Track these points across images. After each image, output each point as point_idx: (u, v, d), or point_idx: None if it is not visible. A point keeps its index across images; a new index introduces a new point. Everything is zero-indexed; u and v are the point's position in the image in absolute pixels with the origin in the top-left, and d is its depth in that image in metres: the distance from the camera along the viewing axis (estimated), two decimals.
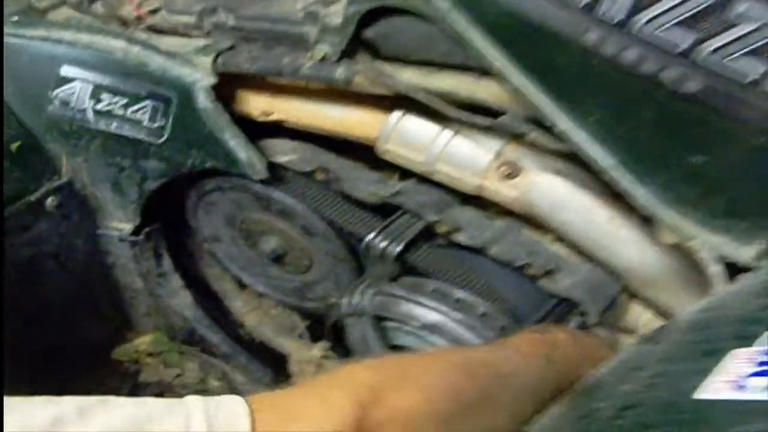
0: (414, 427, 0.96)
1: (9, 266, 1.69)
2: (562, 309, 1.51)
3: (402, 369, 1.03)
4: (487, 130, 1.45)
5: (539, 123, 1.29)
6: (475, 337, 1.46)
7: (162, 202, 1.84)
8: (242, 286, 2.08)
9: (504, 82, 1.29)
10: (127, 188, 1.79)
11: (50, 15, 1.86)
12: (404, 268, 1.60)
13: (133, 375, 2.07)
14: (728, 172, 1.18)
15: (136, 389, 2.05)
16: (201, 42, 1.64)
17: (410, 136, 1.52)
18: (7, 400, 0.78)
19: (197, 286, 2.07)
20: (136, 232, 1.88)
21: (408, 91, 1.41)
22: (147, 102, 1.64)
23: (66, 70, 1.70)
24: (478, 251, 1.55)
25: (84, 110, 1.69)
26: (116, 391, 1.88)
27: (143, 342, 2.12)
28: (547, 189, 1.42)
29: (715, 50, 1.10)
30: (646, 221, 1.31)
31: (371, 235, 1.58)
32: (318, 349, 1.90)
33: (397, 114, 1.53)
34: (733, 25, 1.08)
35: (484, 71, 1.33)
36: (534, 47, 1.23)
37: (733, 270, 1.19)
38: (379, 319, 1.56)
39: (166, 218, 1.92)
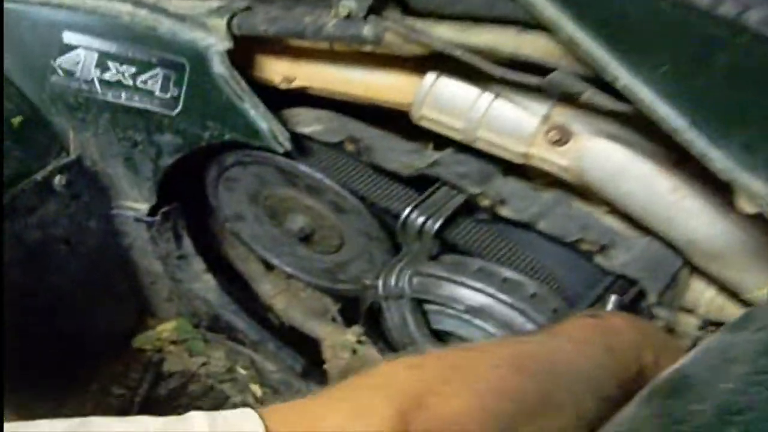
0: None
1: (16, 252, 1.65)
2: (618, 288, 1.41)
3: (446, 368, 0.92)
4: (534, 90, 1.36)
5: (594, 80, 1.20)
6: (525, 321, 1.40)
7: (179, 179, 1.79)
8: (269, 267, 2.03)
9: (554, 34, 1.20)
10: (141, 165, 1.73)
11: None
12: (444, 245, 1.53)
13: (156, 364, 2.03)
14: None
15: (159, 379, 2.01)
16: (214, 3, 1.57)
17: (447, 100, 1.45)
18: None
19: (221, 268, 2.02)
20: (152, 212, 1.82)
21: (444, 48, 1.33)
22: (158, 70, 1.58)
23: (69, 37, 1.63)
24: (524, 226, 1.48)
25: (90, 80, 1.63)
26: (138, 382, 1.95)
27: (165, 329, 2.08)
28: (602, 156, 1.34)
29: None
30: (717, 189, 1.22)
31: (407, 211, 1.51)
32: (352, 334, 1.85)
33: (431, 76, 1.46)
34: None
35: (530, 23, 1.25)
36: None
37: None
38: (419, 302, 1.50)
39: (185, 196, 1.86)
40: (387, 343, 1.69)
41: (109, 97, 1.61)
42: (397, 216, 1.53)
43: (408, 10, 1.39)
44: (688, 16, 1.05)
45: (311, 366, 1.92)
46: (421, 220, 1.49)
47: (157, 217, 1.82)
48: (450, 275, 1.44)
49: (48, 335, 1.80)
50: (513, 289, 1.42)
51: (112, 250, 1.89)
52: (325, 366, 1.89)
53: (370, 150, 1.58)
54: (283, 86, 1.61)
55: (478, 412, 0.86)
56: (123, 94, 1.61)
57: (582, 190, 1.48)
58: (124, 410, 1.91)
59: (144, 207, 1.81)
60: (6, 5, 1.64)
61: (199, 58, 1.52)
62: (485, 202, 1.48)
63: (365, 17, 1.39)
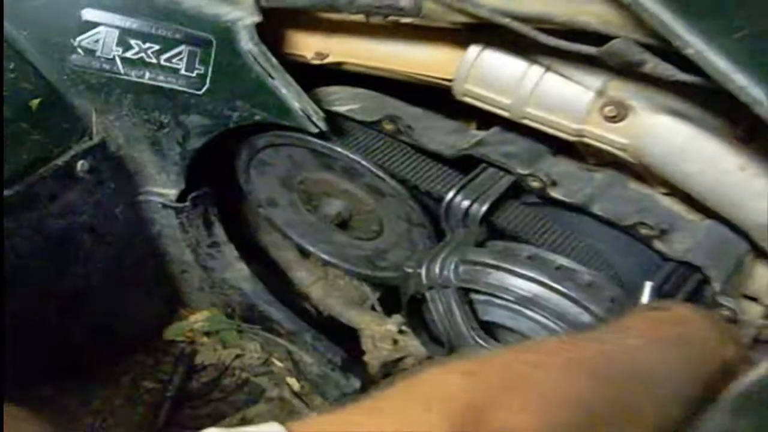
0: None
1: (38, 242, 1.60)
2: (679, 275, 1.36)
3: (509, 374, 0.83)
4: (587, 63, 1.31)
5: (658, 49, 1.13)
6: (580, 312, 1.34)
7: (209, 163, 1.74)
8: (305, 255, 2.00)
9: None
10: (168, 148, 1.68)
11: None
12: (491, 231, 1.49)
13: (188, 357, 1.97)
14: None
15: (191, 372, 1.95)
16: None
17: (493, 75, 1.40)
18: None
19: (254, 256, 1.98)
20: (181, 198, 1.77)
21: (491, 17, 1.26)
22: (182, 47, 1.52)
23: (89, 14, 1.56)
24: (576, 209, 1.44)
25: (112, 59, 1.57)
26: (170, 375, 1.90)
27: (197, 320, 2.03)
28: (663, 133, 1.29)
29: None
30: None
31: (451, 194, 1.47)
32: (393, 323, 1.83)
33: (475, 48, 1.41)
34: None
35: None
36: None
37: None
38: (465, 292, 1.45)
39: (215, 181, 1.82)
40: (430, 334, 1.65)
41: (132, 76, 1.57)
42: (440, 199, 1.50)
43: None
44: None
45: (351, 358, 1.86)
46: (466, 203, 1.45)
47: (187, 203, 1.78)
48: (499, 263, 1.39)
49: (74, 328, 1.77)
50: (567, 278, 1.36)
51: (140, 239, 1.84)
52: (365, 357, 1.86)
53: (410, 129, 1.54)
54: (316, 62, 1.57)
55: (544, 425, 0.77)
56: (146, 73, 1.56)
57: (638, 171, 1.43)
58: (155, 405, 1.87)
59: (172, 193, 1.76)
60: None
61: (226, 34, 1.48)
62: (535, 184, 1.44)
63: None
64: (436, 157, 1.54)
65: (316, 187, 1.68)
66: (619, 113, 1.30)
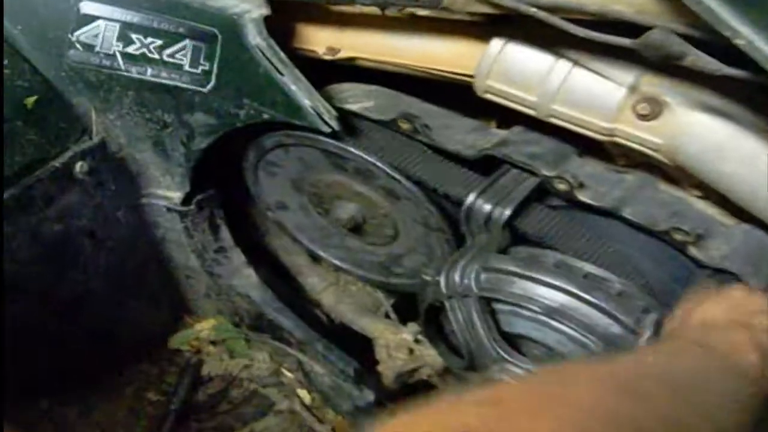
0: None
1: (35, 247, 1.56)
2: (716, 283, 1.29)
3: (531, 398, 0.74)
4: (619, 56, 1.25)
5: (699, 40, 1.06)
6: (610, 323, 1.29)
7: (215, 164, 1.70)
8: (316, 260, 1.97)
9: None
10: (172, 148, 1.64)
11: None
12: (514, 236, 1.44)
13: (193, 367, 1.94)
14: None
15: (197, 383, 1.92)
16: None
17: (517, 70, 1.35)
18: None
19: (263, 262, 1.95)
20: (186, 200, 1.74)
21: (516, 6, 1.19)
22: (186, 42, 1.48)
23: (87, 7, 1.52)
24: (605, 213, 1.38)
25: (112, 55, 1.53)
26: (175, 387, 1.88)
27: (204, 328, 2.00)
28: (700, 132, 1.23)
29: None
30: None
31: (472, 197, 1.42)
32: (408, 332, 1.79)
33: (498, 42, 1.35)
34: None
35: None
36: None
37: None
38: (487, 301, 1.41)
39: (221, 183, 1.79)
40: (449, 345, 1.60)
41: (134, 73, 1.53)
42: (459, 203, 1.45)
43: None
44: None
45: (364, 368, 1.82)
46: (488, 207, 1.40)
47: (192, 207, 1.75)
48: (523, 271, 1.35)
49: (74, 336, 1.74)
50: (596, 287, 1.32)
51: (143, 244, 1.81)
52: (379, 368, 1.81)
53: (427, 128, 1.50)
54: (328, 58, 1.53)
55: None
56: (149, 70, 1.52)
57: (669, 172, 1.38)
58: (158, 418, 1.84)
59: (176, 195, 1.74)
60: None
61: (232, 27, 1.43)
62: (561, 186, 1.39)
63: None
64: (456, 157, 1.49)
65: (327, 190, 1.64)
66: (653, 110, 1.24)
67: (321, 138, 1.50)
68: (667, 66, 1.19)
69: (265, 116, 1.48)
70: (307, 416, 1.84)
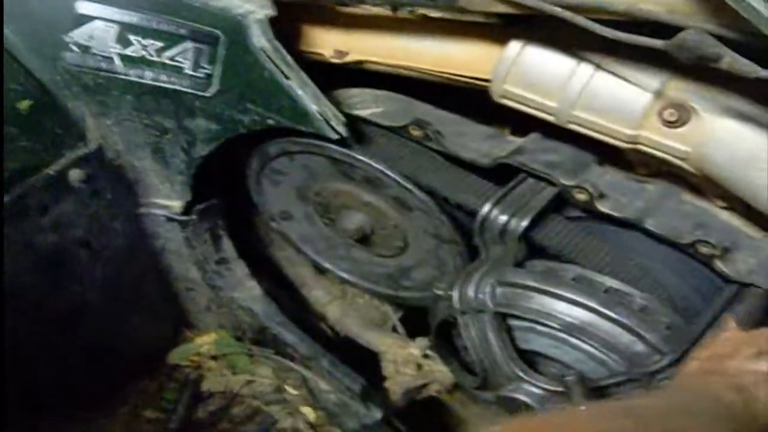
0: None
1: (29, 258, 1.53)
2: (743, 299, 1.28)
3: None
4: (644, 60, 1.22)
5: (732, 41, 1.02)
6: (633, 341, 1.27)
7: (216, 172, 1.68)
8: (321, 272, 1.94)
9: None
10: (172, 155, 1.62)
11: None
12: (531, 248, 1.42)
13: (194, 383, 1.90)
14: None
15: (197, 400, 1.89)
16: None
17: (536, 74, 1.32)
18: None
19: (266, 274, 1.92)
20: (186, 210, 1.72)
21: (539, 6, 1.16)
22: (187, 44, 1.45)
23: (84, 7, 1.50)
24: (626, 225, 1.36)
25: (109, 57, 1.50)
26: (174, 404, 1.85)
27: (204, 343, 1.96)
28: (729, 139, 1.20)
29: None
30: None
31: (487, 207, 1.39)
32: (416, 347, 1.76)
33: (516, 44, 1.32)
34: None
35: None
36: None
37: None
38: (503, 317, 1.39)
39: (223, 192, 1.76)
40: (461, 362, 1.58)
41: (132, 76, 1.51)
42: (473, 213, 1.43)
43: None
44: None
45: (371, 384, 1.79)
46: (504, 218, 1.38)
47: (192, 216, 1.73)
48: (541, 285, 1.33)
49: (69, 351, 1.70)
50: (618, 302, 1.30)
51: (141, 255, 1.79)
52: (386, 384, 1.79)
53: (439, 135, 1.48)
54: (335, 61, 1.51)
55: None
56: (148, 73, 1.50)
57: (693, 182, 1.36)
58: None
59: (177, 204, 1.72)
60: None
61: (235, 29, 1.42)
62: (581, 196, 1.37)
63: None
64: (469, 166, 1.47)
65: (334, 199, 1.61)
66: (680, 117, 1.20)
67: (328, 145, 1.48)
68: (693, 70, 1.16)
69: (270, 122, 1.46)
70: None
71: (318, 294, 1.95)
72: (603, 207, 1.34)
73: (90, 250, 1.65)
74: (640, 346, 1.25)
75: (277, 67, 1.39)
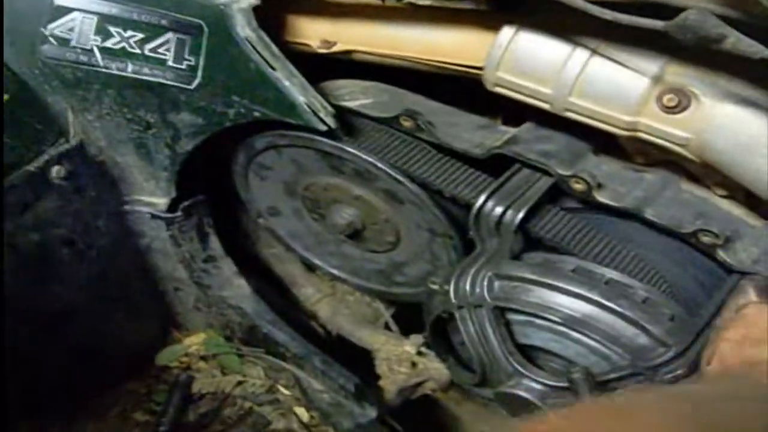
0: None
1: (10, 258, 1.49)
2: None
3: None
4: (642, 43, 1.19)
5: (739, 22, 0.98)
6: (636, 333, 1.25)
7: (202, 168, 1.65)
8: (310, 269, 1.93)
9: None
10: (156, 151, 1.59)
11: None
12: (528, 241, 1.40)
13: (183, 384, 1.86)
14: None
15: (187, 402, 1.84)
16: None
17: (530, 60, 1.28)
18: None
19: (255, 271, 1.90)
20: (172, 207, 1.69)
21: None
22: (169, 35, 1.42)
23: None
24: (625, 215, 1.34)
25: (89, 50, 1.46)
26: (164, 406, 1.80)
27: (193, 343, 1.93)
28: (731, 125, 1.17)
29: None
30: None
31: (481, 199, 1.37)
32: (411, 344, 1.75)
33: (509, 30, 1.29)
34: None
35: None
36: None
37: None
38: (501, 311, 1.37)
39: (209, 188, 1.73)
40: (458, 359, 1.57)
41: (113, 69, 1.47)
42: (468, 206, 1.41)
43: None
44: None
45: (365, 383, 1.77)
46: (499, 209, 1.36)
47: (178, 213, 1.70)
48: (540, 278, 1.31)
49: (54, 354, 1.66)
50: (619, 294, 1.27)
51: (126, 254, 1.75)
52: (381, 383, 1.78)
53: (431, 126, 1.45)
54: (322, 51, 1.48)
55: None
56: (129, 66, 1.46)
57: (692, 170, 1.34)
58: None
59: (162, 201, 1.69)
60: None
61: (219, 19, 1.38)
62: (578, 186, 1.34)
63: None
64: (462, 157, 1.45)
65: (323, 194, 1.60)
66: (680, 102, 1.17)
67: (317, 138, 1.46)
68: (692, 54, 1.13)
69: (256, 114, 1.43)
70: None
71: (308, 292, 1.94)
72: (601, 197, 1.32)
73: (73, 249, 1.61)
74: (643, 339, 1.23)
75: (262, 57, 1.36)
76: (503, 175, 1.40)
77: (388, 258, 1.64)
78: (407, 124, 1.44)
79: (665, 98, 1.18)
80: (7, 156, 1.45)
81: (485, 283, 1.33)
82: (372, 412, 1.72)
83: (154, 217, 1.69)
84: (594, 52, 1.22)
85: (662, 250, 1.36)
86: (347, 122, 1.46)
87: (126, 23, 1.42)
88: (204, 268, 1.79)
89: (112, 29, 1.43)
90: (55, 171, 1.52)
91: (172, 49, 1.42)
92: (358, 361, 1.81)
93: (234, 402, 1.86)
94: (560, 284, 1.27)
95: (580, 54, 1.23)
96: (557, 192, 1.38)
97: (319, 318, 1.93)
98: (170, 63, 1.43)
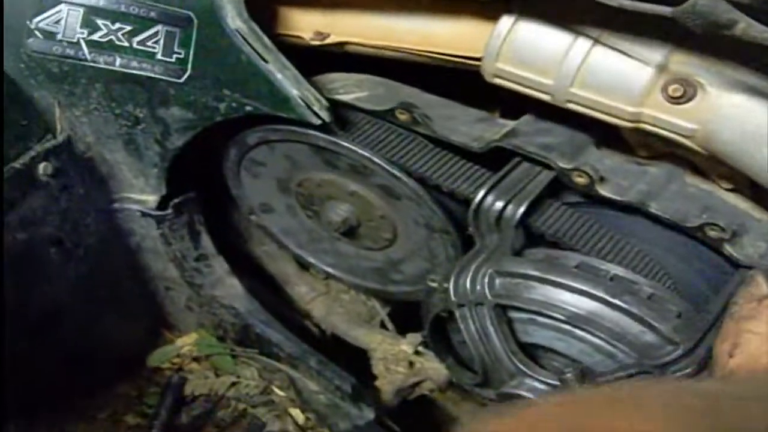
0: None
1: None
2: None
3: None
4: (646, 32, 1.16)
5: (749, 7, 0.96)
6: (642, 331, 1.23)
7: (193, 164, 1.63)
8: (304, 267, 1.90)
9: None
10: (145, 147, 1.56)
11: None
12: (529, 236, 1.37)
13: (176, 386, 1.84)
14: None
15: (180, 404, 1.82)
16: None
17: (531, 50, 1.26)
18: None
19: (247, 270, 1.88)
20: (162, 204, 1.66)
21: None
22: (158, 27, 1.39)
23: None
24: (628, 209, 1.32)
25: (76, 43, 1.43)
26: (156, 408, 1.79)
27: (185, 344, 1.91)
28: (738, 115, 1.15)
29: None
30: None
31: (481, 194, 1.34)
32: (407, 344, 1.73)
33: (508, 19, 1.26)
34: None
35: None
36: None
37: None
38: (503, 309, 1.35)
39: (200, 185, 1.71)
40: (458, 358, 1.55)
41: (101, 63, 1.44)
42: (466, 201, 1.38)
43: None
44: None
45: (362, 384, 1.75)
46: (499, 204, 1.33)
47: (169, 211, 1.68)
48: (543, 274, 1.29)
49: (43, 356, 1.65)
50: (625, 290, 1.25)
51: (116, 253, 1.73)
52: (377, 383, 1.75)
53: (427, 119, 1.42)
54: (315, 43, 1.45)
55: None
56: (117, 59, 1.43)
57: (696, 163, 1.32)
58: None
59: (152, 199, 1.67)
60: None
61: (208, 10, 1.35)
62: (580, 180, 1.31)
63: None
64: (460, 151, 1.42)
65: (318, 190, 1.58)
66: (685, 92, 1.15)
67: (310, 132, 1.43)
68: (698, 42, 1.10)
69: (248, 109, 1.41)
70: None
71: (301, 290, 1.92)
72: (604, 191, 1.29)
73: (61, 249, 1.59)
74: (650, 337, 1.21)
75: (253, 49, 1.33)
76: (503, 169, 1.37)
77: (384, 255, 1.62)
78: (403, 117, 1.42)
79: (670, 88, 1.15)
80: None
81: (486, 281, 1.31)
82: (370, 414, 1.70)
83: (144, 215, 1.67)
84: (596, 41, 1.19)
85: (666, 245, 1.33)
86: (342, 116, 1.43)
87: (113, 15, 1.39)
88: (195, 266, 1.77)
89: (100, 22, 1.40)
90: (42, 168, 1.49)
91: (161, 42, 1.39)
92: (353, 362, 1.79)
93: (228, 404, 1.85)
94: (564, 281, 1.25)
95: (582, 43, 1.20)
96: (558, 186, 1.36)
97: (314, 317, 1.91)
98: (159, 56, 1.40)
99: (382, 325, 1.85)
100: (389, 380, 1.72)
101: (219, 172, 1.65)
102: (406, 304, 1.68)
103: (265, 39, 1.33)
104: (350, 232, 1.59)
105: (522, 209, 1.30)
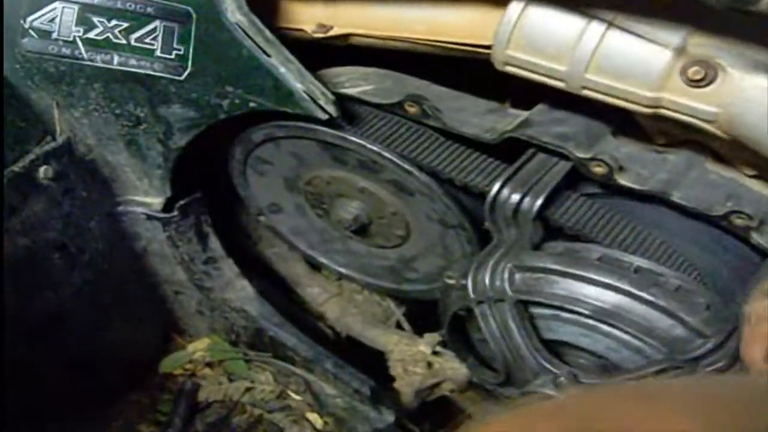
0: None
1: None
2: None
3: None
4: (662, 14, 1.13)
5: None
6: (672, 324, 1.22)
7: (197, 164, 1.61)
8: (316, 267, 1.90)
9: None
10: (148, 147, 1.54)
11: None
12: (548, 229, 1.35)
13: (189, 393, 1.83)
14: None
15: (194, 411, 1.82)
16: None
17: (542, 36, 1.23)
18: None
19: (258, 272, 1.86)
20: (168, 206, 1.65)
21: None
22: (156, 23, 1.36)
23: None
24: (649, 198, 1.29)
25: (72, 41, 1.41)
26: (170, 416, 1.79)
27: (197, 349, 1.90)
28: (763, 97, 1.11)
29: None
30: None
31: (496, 187, 1.32)
32: (425, 344, 1.70)
33: (518, 4, 1.23)
34: None
35: None
36: None
37: None
38: (524, 305, 1.33)
39: (206, 185, 1.69)
40: (478, 357, 1.55)
41: (98, 61, 1.42)
42: (481, 195, 1.36)
43: None
44: None
45: (380, 386, 1.74)
46: (516, 197, 1.31)
47: (175, 213, 1.66)
48: (565, 268, 1.28)
49: (50, 365, 1.63)
50: (651, 283, 1.23)
51: (122, 257, 1.71)
52: (395, 384, 1.74)
53: (438, 112, 1.40)
54: (318, 36, 1.43)
55: None
56: (115, 58, 1.41)
57: (717, 149, 1.28)
58: None
59: (157, 201, 1.65)
60: None
61: (207, 3, 1.33)
62: (598, 170, 1.28)
63: None
64: (472, 143, 1.39)
65: (327, 188, 1.57)
66: (706, 75, 1.11)
67: (317, 127, 1.41)
68: (717, 23, 1.07)
69: (252, 105, 1.38)
70: None
71: (314, 292, 1.91)
72: (623, 180, 1.26)
73: (65, 254, 1.58)
74: (680, 330, 1.19)
75: (255, 43, 1.31)
76: (517, 160, 1.35)
77: (397, 253, 1.60)
78: (412, 110, 1.39)
79: (690, 71, 1.11)
80: None
81: (506, 276, 1.29)
82: (390, 417, 1.69)
83: (149, 217, 1.65)
84: (611, 24, 1.16)
85: (690, 235, 1.30)
86: (349, 110, 1.41)
87: (109, 12, 1.37)
88: (204, 270, 1.75)
89: (95, 19, 1.37)
90: (43, 171, 1.48)
91: (160, 38, 1.37)
92: (369, 363, 1.77)
93: (243, 409, 1.84)
94: (587, 274, 1.23)
95: (596, 27, 1.17)
96: (576, 177, 1.33)
97: (327, 319, 1.89)
98: (158, 53, 1.38)
99: (398, 326, 1.83)
100: (408, 382, 1.70)
101: (225, 171, 1.63)
102: (422, 303, 1.66)
103: (267, 32, 1.31)
104: (362, 230, 1.57)
105: (540, 201, 1.28)
